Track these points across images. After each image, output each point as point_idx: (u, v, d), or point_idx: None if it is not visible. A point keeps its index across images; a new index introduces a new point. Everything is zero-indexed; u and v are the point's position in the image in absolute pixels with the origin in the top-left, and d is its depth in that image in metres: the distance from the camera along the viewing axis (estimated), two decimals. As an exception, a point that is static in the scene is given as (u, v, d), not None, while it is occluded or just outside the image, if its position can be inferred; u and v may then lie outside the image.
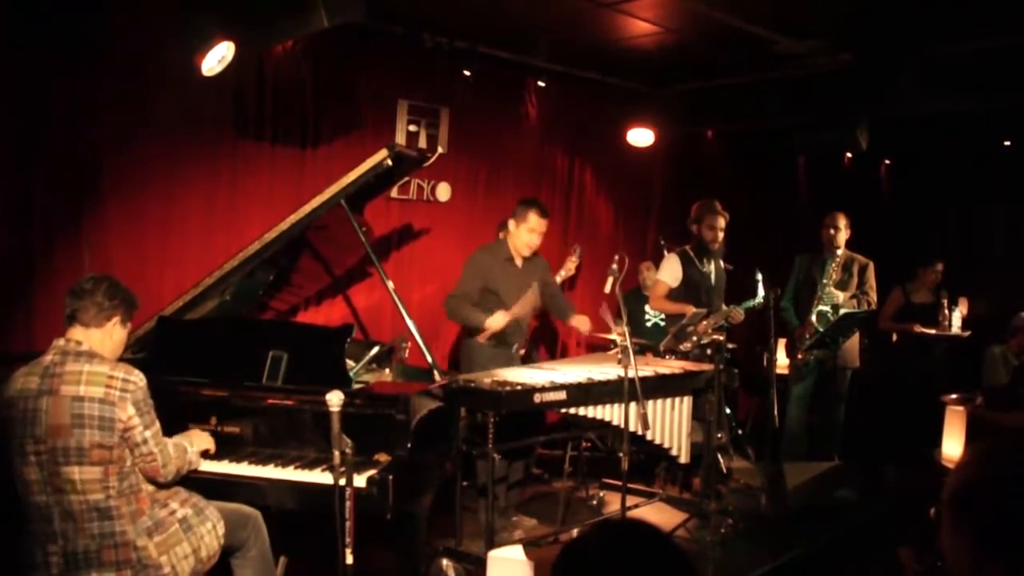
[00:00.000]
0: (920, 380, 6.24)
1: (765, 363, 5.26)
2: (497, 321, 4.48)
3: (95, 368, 2.70)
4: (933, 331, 6.40)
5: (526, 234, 4.64)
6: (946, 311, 6.51)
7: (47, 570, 2.65)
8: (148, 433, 2.75)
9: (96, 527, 2.65)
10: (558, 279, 5.75)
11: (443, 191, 5.67)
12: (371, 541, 3.00)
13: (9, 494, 2.71)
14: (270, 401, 3.36)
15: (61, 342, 2.76)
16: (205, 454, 3.17)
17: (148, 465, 2.79)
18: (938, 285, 6.59)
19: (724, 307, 5.25)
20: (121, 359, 3.63)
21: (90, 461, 2.63)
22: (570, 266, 5.82)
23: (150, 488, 2.83)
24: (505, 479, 4.64)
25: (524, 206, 4.67)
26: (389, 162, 3.77)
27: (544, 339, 6.32)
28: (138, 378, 2.74)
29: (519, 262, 4.74)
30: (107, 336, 2.81)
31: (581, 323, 4.82)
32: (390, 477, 3.03)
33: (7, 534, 2.76)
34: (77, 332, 2.77)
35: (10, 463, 2.68)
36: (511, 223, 4.73)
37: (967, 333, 6.48)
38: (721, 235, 5.38)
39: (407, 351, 4.19)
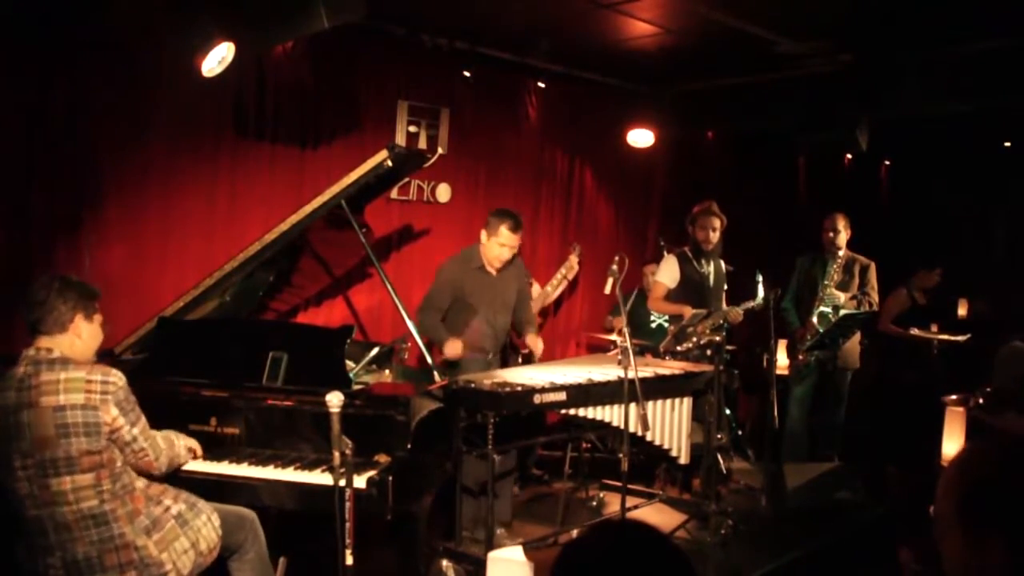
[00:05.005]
0: (919, 380, 6.22)
1: (765, 364, 5.25)
2: (452, 350, 4.37)
3: (71, 375, 2.65)
4: (925, 335, 6.32)
5: (496, 247, 4.46)
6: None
7: None
8: (136, 430, 2.76)
9: (94, 534, 2.63)
10: (558, 277, 5.77)
11: (443, 192, 5.67)
12: (371, 541, 3.00)
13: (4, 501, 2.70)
14: (270, 402, 3.36)
15: (31, 351, 2.71)
16: (197, 455, 3.18)
17: (141, 461, 2.81)
18: (933, 289, 6.56)
19: (724, 308, 5.25)
20: (122, 360, 3.66)
21: (81, 469, 2.61)
22: (572, 265, 5.81)
23: (143, 485, 2.82)
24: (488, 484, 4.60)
25: (496, 218, 4.45)
26: (389, 163, 3.77)
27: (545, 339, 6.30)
28: (117, 377, 2.72)
29: (492, 270, 4.57)
30: (74, 337, 2.76)
31: (535, 345, 4.69)
32: (390, 478, 3.03)
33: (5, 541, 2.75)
34: (44, 340, 2.72)
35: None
36: (483, 233, 4.52)
37: (964, 337, 6.38)
38: (714, 235, 5.36)
39: (407, 352, 4.20)
